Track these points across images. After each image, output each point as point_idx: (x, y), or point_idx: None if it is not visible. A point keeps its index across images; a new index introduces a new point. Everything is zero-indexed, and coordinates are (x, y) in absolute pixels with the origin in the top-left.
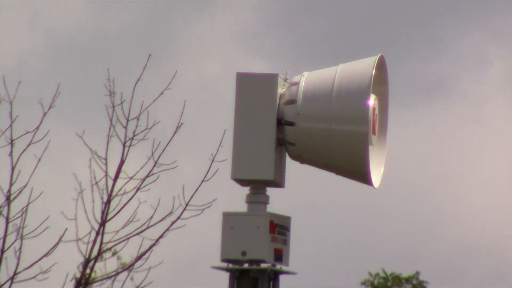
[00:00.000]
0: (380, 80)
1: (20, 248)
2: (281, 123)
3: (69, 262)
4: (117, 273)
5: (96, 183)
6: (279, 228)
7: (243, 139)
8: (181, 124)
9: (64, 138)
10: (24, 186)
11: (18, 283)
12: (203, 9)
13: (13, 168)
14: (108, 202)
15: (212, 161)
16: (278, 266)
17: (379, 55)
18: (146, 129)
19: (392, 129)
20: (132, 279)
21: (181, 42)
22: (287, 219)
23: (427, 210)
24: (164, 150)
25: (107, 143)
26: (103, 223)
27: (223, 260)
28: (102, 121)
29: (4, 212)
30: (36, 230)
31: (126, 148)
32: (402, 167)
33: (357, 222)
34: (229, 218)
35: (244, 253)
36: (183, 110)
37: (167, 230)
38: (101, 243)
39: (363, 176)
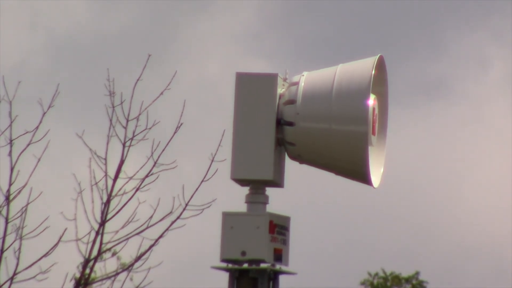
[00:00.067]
0: (380, 80)
1: (20, 248)
2: (280, 123)
3: (68, 262)
4: (117, 273)
5: (96, 183)
6: (279, 228)
7: (242, 139)
8: (181, 124)
9: (64, 138)
10: (24, 186)
11: (18, 283)
12: (203, 9)
13: (12, 168)
14: (107, 202)
15: (212, 161)
16: (277, 266)
17: (379, 55)
18: (146, 129)
19: (392, 129)
20: (131, 279)
21: (181, 42)
22: (287, 219)
23: (427, 210)
24: (163, 150)
25: (107, 143)
26: (102, 223)
27: (223, 260)
28: (102, 121)
29: (4, 212)
30: (36, 230)
31: (126, 148)
32: (402, 167)
33: (357, 222)
34: (228, 218)
35: (243, 253)
36: (183, 110)
37: (166, 230)
38: (101, 243)
39: (363, 176)
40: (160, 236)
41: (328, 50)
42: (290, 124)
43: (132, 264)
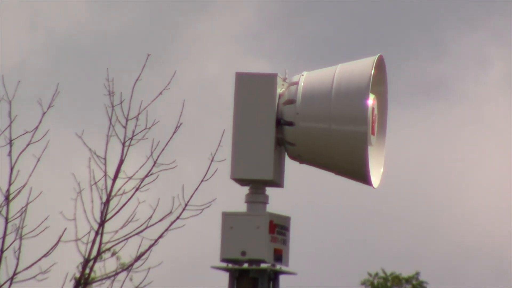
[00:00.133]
0: (379, 80)
1: (20, 248)
2: (280, 123)
3: (68, 262)
4: (117, 273)
5: (95, 183)
6: (279, 228)
7: (242, 139)
8: (181, 124)
9: (64, 138)
10: (23, 186)
11: (18, 283)
12: (203, 9)
13: (12, 168)
14: (107, 202)
15: (212, 161)
16: (277, 266)
17: (378, 55)
18: (145, 129)
19: (391, 129)
20: (131, 279)
21: (181, 42)
22: (287, 219)
23: (427, 210)
24: (163, 150)
25: (106, 143)
26: (102, 223)
27: (223, 260)
28: (101, 121)
29: (4, 212)
30: (36, 230)
31: (126, 148)
32: (402, 167)
33: (357, 222)
34: (228, 218)
35: (243, 253)
36: (182, 110)
37: (166, 230)
38: (100, 243)
39: (363, 176)
40: (160, 236)
41: (328, 50)
42: (290, 124)
43: (131, 264)
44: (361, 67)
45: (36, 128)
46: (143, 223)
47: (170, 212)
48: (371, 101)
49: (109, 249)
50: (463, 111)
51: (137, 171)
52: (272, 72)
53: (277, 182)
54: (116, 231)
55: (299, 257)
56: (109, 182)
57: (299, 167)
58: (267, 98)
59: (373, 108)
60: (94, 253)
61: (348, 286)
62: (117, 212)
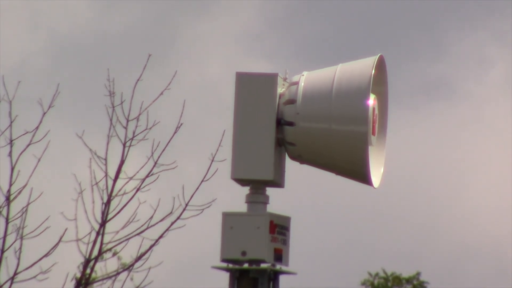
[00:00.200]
0: (380, 80)
1: (20, 248)
2: (280, 123)
3: (69, 262)
4: (117, 273)
5: (96, 183)
6: (279, 228)
7: (242, 139)
8: (181, 124)
9: (64, 138)
10: (24, 186)
11: (18, 283)
12: (204, 9)
13: (12, 168)
14: (108, 203)
15: (212, 161)
16: (278, 266)
17: (379, 55)
18: (146, 129)
19: (392, 129)
20: (132, 279)
21: (182, 42)
22: (287, 219)
23: (427, 210)
24: (164, 150)
25: (107, 143)
26: (103, 224)
27: (223, 260)
28: (102, 121)
29: (4, 212)
30: (36, 230)
31: (126, 148)
32: (402, 167)
33: (357, 222)
34: (228, 218)
35: (244, 253)
36: (182, 110)
37: (167, 230)
38: (101, 243)
39: (363, 176)
40: (161, 236)
41: (328, 50)
42: (290, 124)
43: (132, 264)
44: (362, 67)
45: (37, 128)
46: (144, 223)
47: (171, 212)
48: (371, 101)
49: (110, 249)
50: (464, 111)
51: (137, 172)
52: (272, 72)
53: (278, 182)
54: (117, 232)
55: (299, 257)
56: (110, 183)
57: (300, 167)
58: (267, 98)
59: (373, 108)
60: (95, 253)
61: (348, 286)
62: (118, 212)
